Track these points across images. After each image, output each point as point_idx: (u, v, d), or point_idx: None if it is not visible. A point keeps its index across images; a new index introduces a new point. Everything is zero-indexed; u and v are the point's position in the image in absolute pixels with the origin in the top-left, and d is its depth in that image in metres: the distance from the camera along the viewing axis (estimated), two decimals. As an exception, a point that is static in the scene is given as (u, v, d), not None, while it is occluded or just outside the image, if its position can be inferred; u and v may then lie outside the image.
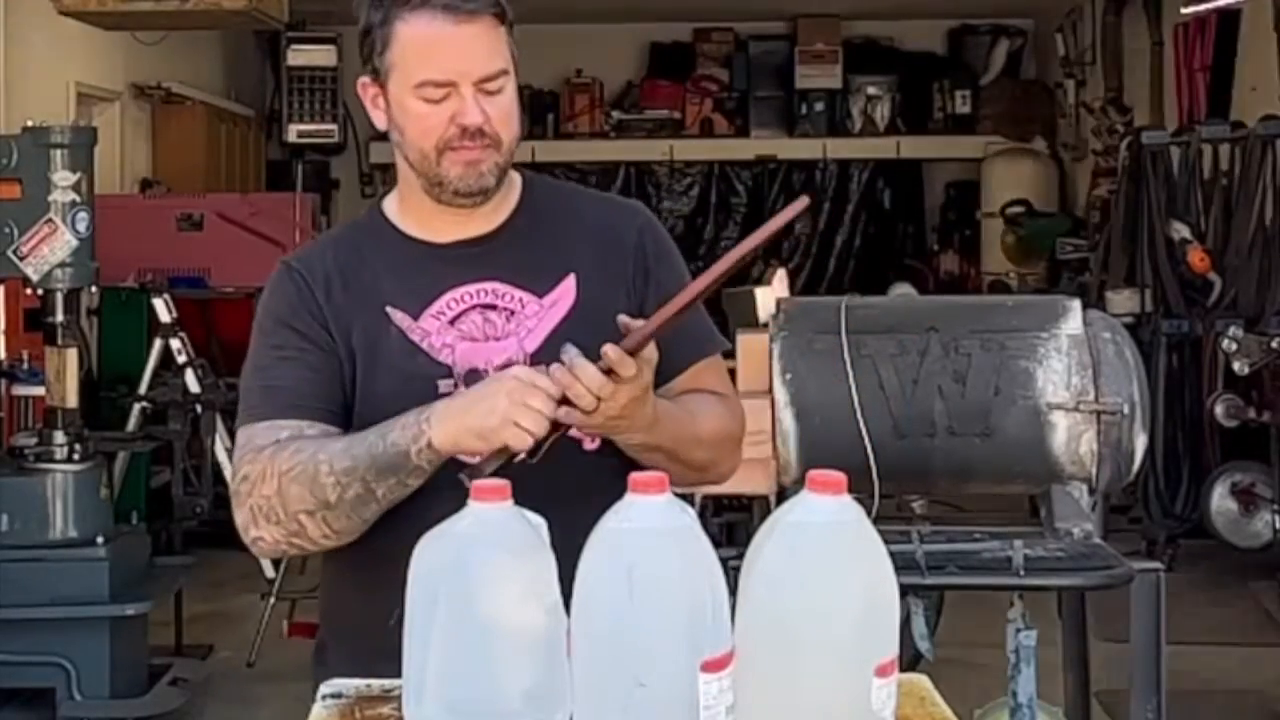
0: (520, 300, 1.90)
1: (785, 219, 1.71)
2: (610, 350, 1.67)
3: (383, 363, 1.87)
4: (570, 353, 1.69)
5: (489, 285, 1.90)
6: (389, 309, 1.88)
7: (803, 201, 1.77)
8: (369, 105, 1.93)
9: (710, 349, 2.02)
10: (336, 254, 1.96)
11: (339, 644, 1.92)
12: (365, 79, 1.93)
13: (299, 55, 9.50)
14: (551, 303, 1.90)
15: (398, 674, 1.44)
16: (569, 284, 1.91)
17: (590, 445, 1.88)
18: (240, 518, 1.84)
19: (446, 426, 1.72)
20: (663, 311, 1.71)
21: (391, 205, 1.99)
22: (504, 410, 1.67)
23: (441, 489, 1.71)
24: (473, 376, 1.84)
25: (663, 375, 1.87)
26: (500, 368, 1.84)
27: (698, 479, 2.00)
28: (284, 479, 1.78)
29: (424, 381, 1.85)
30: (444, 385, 1.85)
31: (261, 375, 1.90)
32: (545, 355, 1.85)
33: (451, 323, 1.88)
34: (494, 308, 1.89)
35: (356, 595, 1.66)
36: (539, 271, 1.91)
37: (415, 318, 1.88)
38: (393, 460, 1.74)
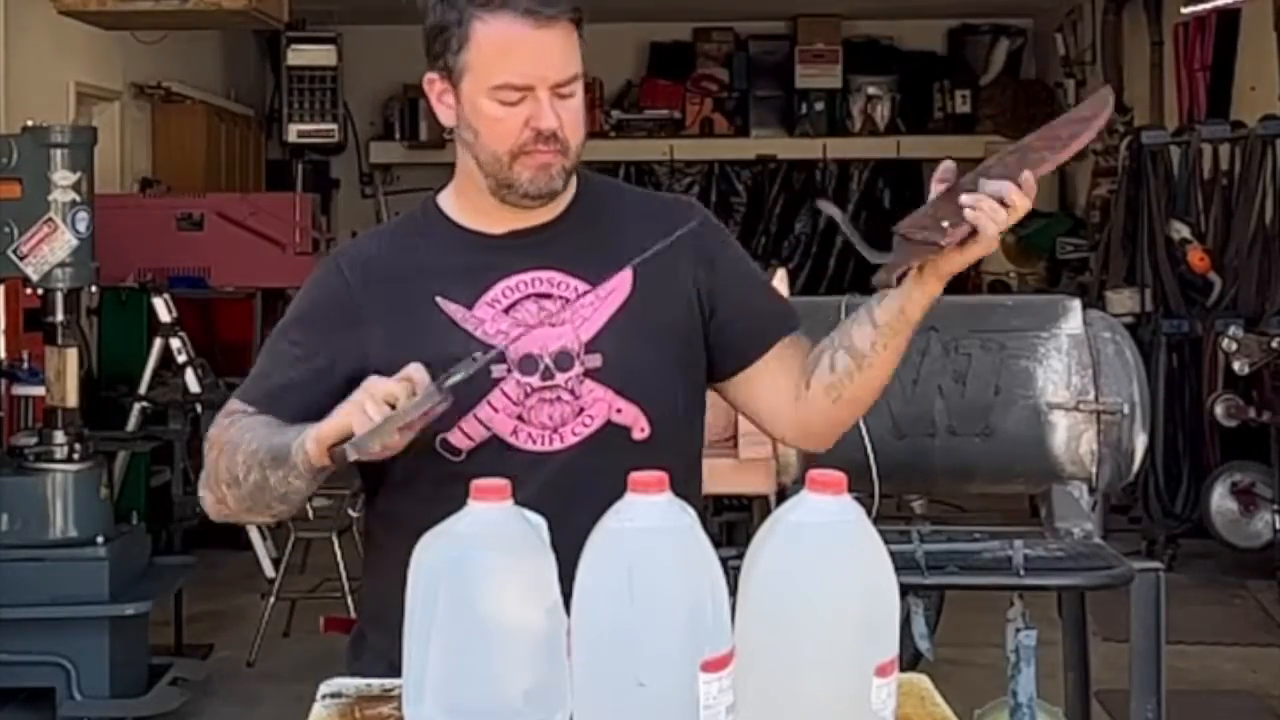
0: (575, 289, 1.90)
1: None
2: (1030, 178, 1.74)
3: (434, 352, 1.84)
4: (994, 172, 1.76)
5: (543, 274, 1.90)
6: (439, 299, 1.89)
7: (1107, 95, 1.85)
8: (435, 101, 1.92)
9: (793, 324, 2.03)
10: (382, 243, 1.98)
11: (379, 635, 1.92)
12: (433, 75, 1.90)
13: (299, 55, 9.51)
14: (607, 293, 1.90)
15: None
16: (625, 275, 1.91)
17: (639, 435, 1.89)
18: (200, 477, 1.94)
19: (318, 425, 1.74)
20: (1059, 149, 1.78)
21: (446, 198, 1.99)
22: (353, 400, 1.71)
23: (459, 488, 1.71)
24: (527, 362, 1.86)
25: (742, 353, 1.96)
26: (556, 354, 1.86)
27: (850, 415, 2.00)
28: (220, 450, 1.86)
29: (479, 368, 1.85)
30: (498, 370, 1.85)
31: (265, 360, 1.96)
32: (600, 345, 1.87)
33: (506, 311, 1.89)
34: (549, 296, 1.89)
35: (399, 587, 1.66)
36: (594, 262, 1.91)
37: (469, 307, 1.88)
38: (279, 452, 1.78)
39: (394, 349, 1.85)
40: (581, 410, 1.87)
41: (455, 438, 1.85)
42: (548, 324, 1.88)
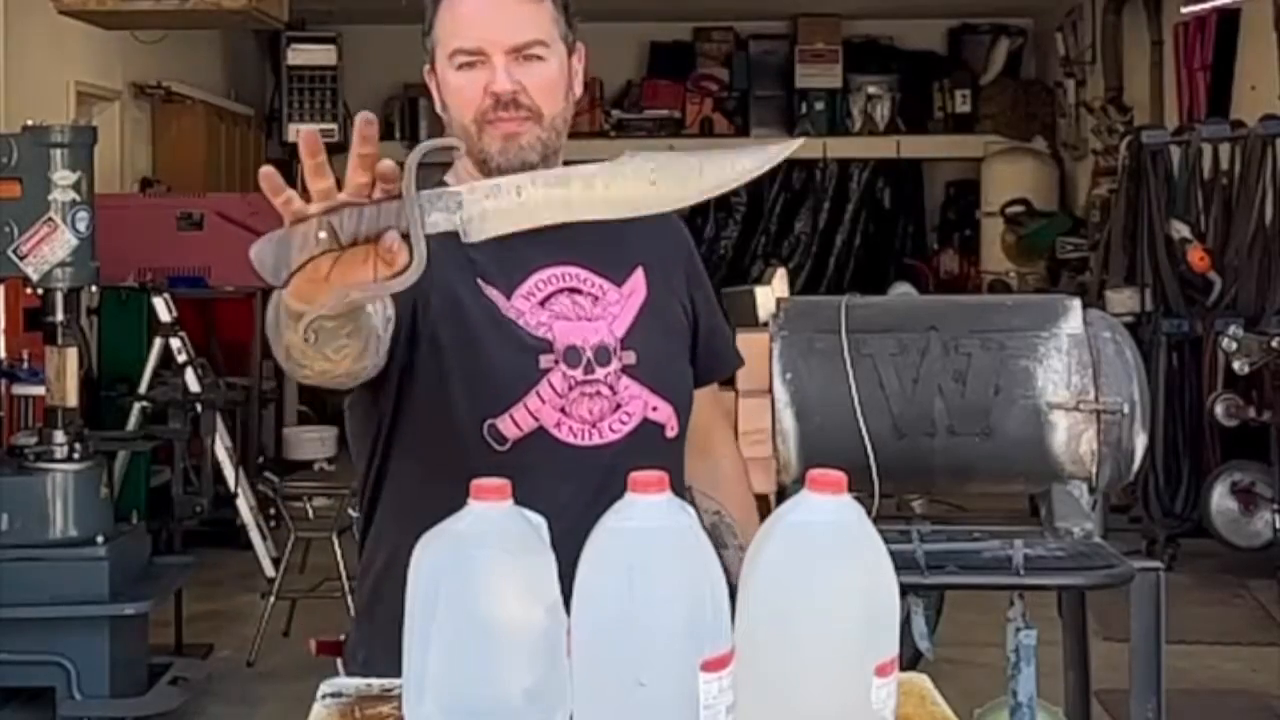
0: (601, 287, 1.91)
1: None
2: None
3: (488, 332, 1.84)
4: None
5: (572, 269, 1.90)
6: (481, 282, 1.86)
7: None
8: (433, 91, 1.93)
9: (737, 365, 2.14)
10: None
11: (385, 636, 1.89)
12: (427, 66, 1.92)
13: (299, 55, 9.52)
14: (629, 292, 1.92)
15: None
16: (639, 276, 1.93)
17: (670, 434, 1.91)
18: None
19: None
20: None
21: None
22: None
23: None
24: (572, 353, 1.85)
25: (698, 375, 2.01)
26: (596, 349, 1.86)
27: None
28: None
29: (528, 355, 1.84)
30: (545, 360, 1.84)
31: None
32: (632, 342, 1.88)
33: (542, 303, 1.87)
34: (579, 291, 1.89)
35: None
36: (614, 261, 1.92)
37: (508, 297, 1.87)
38: (280, 319, 1.54)
39: (444, 320, 1.81)
40: (619, 406, 1.87)
41: (505, 426, 1.83)
42: (583, 319, 1.88)
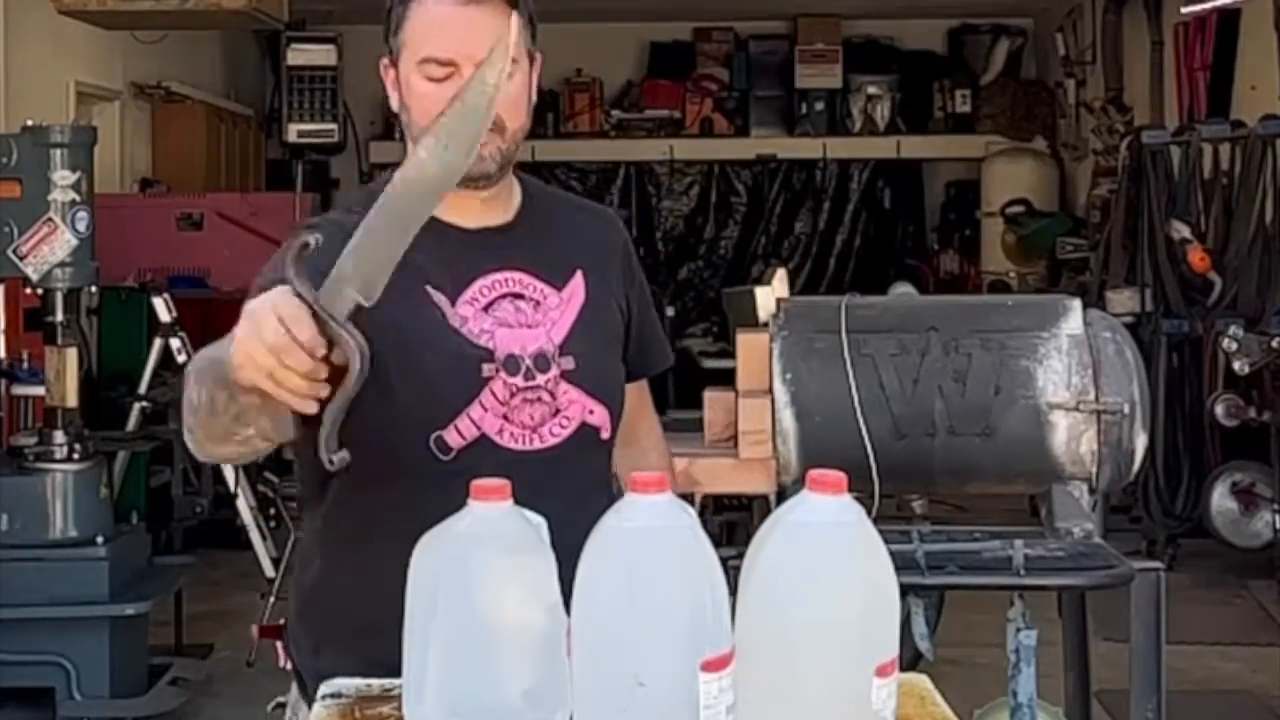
0: (543, 292, 1.93)
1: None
2: None
3: (431, 343, 1.86)
4: None
5: (515, 275, 1.93)
6: (429, 288, 1.88)
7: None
8: (389, 86, 1.94)
9: (666, 363, 2.17)
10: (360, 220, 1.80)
11: (342, 645, 1.91)
12: (385, 60, 1.94)
13: (299, 55, 9.49)
14: (569, 296, 1.95)
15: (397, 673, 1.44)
16: (579, 280, 1.96)
17: (604, 436, 1.95)
18: None
19: (236, 350, 1.60)
20: None
21: None
22: (260, 362, 1.56)
23: (448, 486, 1.63)
24: (511, 361, 1.88)
25: (630, 372, 2.04)
26: (535, 356, 1.89)
27: None
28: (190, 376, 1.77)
29: (470, 363, 1.86)
30: (487, 369, 1.87)
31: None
32: (570, 347, 1.91)
33: (485, 309, 1.90)
34: (522, 297, 1.92)
35: (368, 585, 1.68)
36: (554, 265, 1.96)
37: (453, 303, 1.89)
38: (222, 371, 1.64)
39: (384, 331, 1.74)
40: (558, 411, 1.90)
41: (450, 436, 1.85)
42: (524, 325, 1.90)
